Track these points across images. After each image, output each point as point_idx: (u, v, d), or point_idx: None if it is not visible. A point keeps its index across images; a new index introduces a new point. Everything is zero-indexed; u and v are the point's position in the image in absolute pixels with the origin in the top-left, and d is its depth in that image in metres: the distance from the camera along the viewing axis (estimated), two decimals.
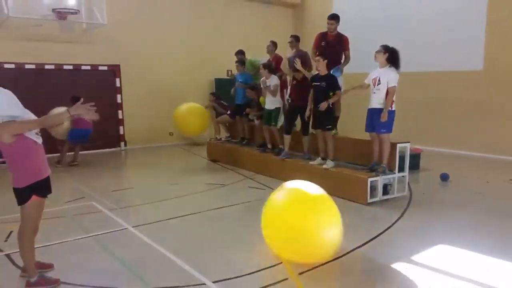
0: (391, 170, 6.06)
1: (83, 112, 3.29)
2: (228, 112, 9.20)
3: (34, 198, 3.26)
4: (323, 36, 7.08)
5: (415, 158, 8.30)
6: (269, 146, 7.91)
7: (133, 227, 4.90)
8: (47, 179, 3.40)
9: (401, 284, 3.49)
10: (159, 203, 5.99)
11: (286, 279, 3.58)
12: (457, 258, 4.04)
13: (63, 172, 8.01)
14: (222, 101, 9.57)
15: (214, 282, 3.50)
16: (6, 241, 4.44)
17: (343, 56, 7.03)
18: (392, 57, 5.74)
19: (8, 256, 4.07)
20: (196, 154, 10.10)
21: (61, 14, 8.71)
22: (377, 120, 5.83)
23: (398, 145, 6.05)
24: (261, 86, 7.76)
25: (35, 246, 3.64)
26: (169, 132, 11.55)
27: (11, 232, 4.52)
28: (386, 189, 6.05)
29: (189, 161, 9.61)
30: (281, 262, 3.89)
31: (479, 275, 3.62)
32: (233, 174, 7.91)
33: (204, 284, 3.49)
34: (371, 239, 4.50)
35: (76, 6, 9.21)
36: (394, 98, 5.81)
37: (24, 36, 9.11)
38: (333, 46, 6.86)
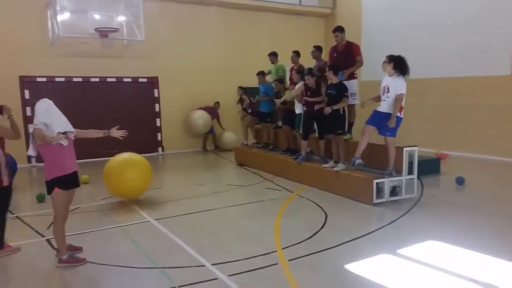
0: (399, 173, 6.33)
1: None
2: (250, 111, 9.77)
3: (56, 189, 3.98)
4: (334, 48, 7.48)
5: (434, 163, 8.45)
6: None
7: (155, 219, 5.56)
8: (71, 175, 4.07)
9: (379, 274, 3.84)
10: (182, 201, 6.64)
11: (276, 264, 4.05)
12: (442, 253, 4.31)
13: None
14: (250, 98, 10.19)
15: (212, 264, 4.04)
16: (48, 228, 5.24)
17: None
18: (397, 65, 6.02)
19: (48, 240, 4.86)
20: (226, 159, 10.74)
21: (103, 33, 9.71)
22: (383, 124, 6.13)
23: (405, 149, 6.30)
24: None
25: (71, 234, 4.36)
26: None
27: (52, 223, 5.29)
28: (394, 190, 6.32)
29: (218, 165, 10.26)
30: (276, 251, 4.36)
31: (460, 269, 3.89)
32: (255, 176, 8.45)
33: (204, 265, 4.04)
34: (365, 234, 4.85)
35: (116, 25, 10.20)
36: (403, 105, 6.08)
37: (72, 53, 10.23)
38: (344, 55, 7.23)
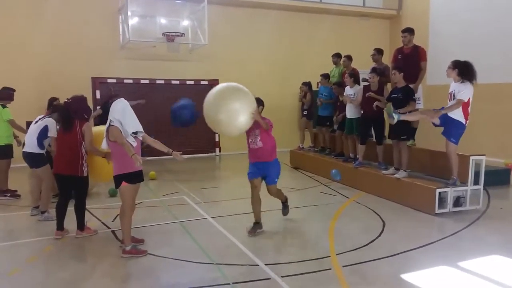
0: (463, 182, 6.02)
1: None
2: (305, 113, 9.70)
3: (124, 184, 4.25)
4: (399, 50, 7.27)
5: (504, 173, 7.92)
6: (352, 155, 8.14)
7: (211, 217, 5.75)
8: (137, 172, 4.32)
9: (437, 285, 3.69)
10: (238, 201, 6.79)
11: (329, 269, 4.02)
12: (507, 269, 4.05)
13: (166, 172, 9.33)
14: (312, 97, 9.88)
15: (266, 264, 4.11)
16: (113, 221, 5.61)
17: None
18: (463, 71, 5.74)
19: (113, 232, 5.20)
20: (281, 161, 10.73)
21: (170, 37, 10.19)
22: (448, 128, 5.84)
23: (472, 157, 5.98)
24: (344, 94, 8.11)
25: (135, 226, 4.65)
26: None
27: (117, 215, 5.65)
28: (458, 201, 6.03)
29: None
30: (329, 256, 4.33)
31: None
32: (310, 180, 8.42)
33: (258, 265, 4.12)
34: (425, 245, 4.67)
35: (182, 30, 10.65)
36: (468, 111, 5.80)
37: (140, 56, 10.83)
38: (409, 59, 7.01)
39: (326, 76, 9.27)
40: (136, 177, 4.33)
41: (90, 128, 4.97)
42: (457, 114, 5.81)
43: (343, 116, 8.28)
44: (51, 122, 5.73)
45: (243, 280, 3.78)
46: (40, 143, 5.72)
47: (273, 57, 12.51)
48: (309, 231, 5.32)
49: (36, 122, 5.81)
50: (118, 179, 4.28)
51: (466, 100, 5.68)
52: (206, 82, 11.94)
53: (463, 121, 5.78)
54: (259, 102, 5.10)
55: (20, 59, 10.00)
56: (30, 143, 5.72)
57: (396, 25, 13.70)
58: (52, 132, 5.66)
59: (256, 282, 3.76)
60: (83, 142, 4.89)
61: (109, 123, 4.25)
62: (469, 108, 5.78)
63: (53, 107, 6.06)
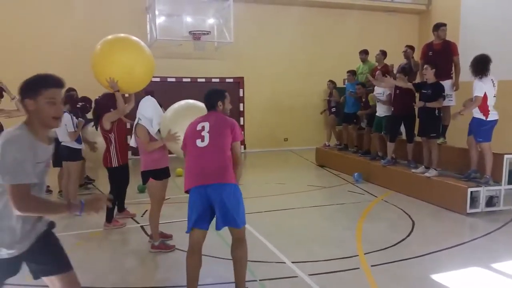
0: (497, 182, 5.83)
1: None
2: (334, 110, 9.60)
3: (151, 180, 4.32)
4: (429, 46, 7.09)
5: None
6: (380, 153, 8.02)
7: None
8: (163, 169, 4.38)
9: (469, 286, 3.59)
10: (263, 198, 6.80)
11: (358, 268, 3.97)
12: None
13: None
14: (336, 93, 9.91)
15: (293, 262, 4.09)
16: (142, 216, 5.71)
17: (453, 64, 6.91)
18: (475, 67, 5.72)
19: (142, 227, 5.30)
20: (306, 159, 10.72)
21: (196, 35, 10.28)
22: (474, 129, 5.79)
23: (506, 156, 5.80)
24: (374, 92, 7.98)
25: (162, 222, 4.74)
26: (284, 138, 12.46)
27: (146, 210, 5.76)
28: (491, 201, 5.85)
29: (298, 164, 10.28)
30: (357, 255, 4.28)
31: None
32: (336, 178, 8.33)
33: (284, 263, 4.11)
34: (456, 245, 4.56)
35: (208, 28, 10.73)
36: (489, 108, 5.70)
37: (167, 55, 10.94)
38: (441, 54, 6.83)
39: (353, 73, 9.15)
40: (162, 174, 4.39)
41: (107, 115, 4.92)
42: (474, 112, 5.81)
43: (367, 113, 8.21)
44: (66, 119, 5.85)
45: (270, 277, 3.78)
46: (76, 139, 5.96)
47: (298, 54, 12.41)
48: (336, 229, 5.27)
49: None
50: (145, 175, 4.35)
51: (480, 95, 5.64)
52: (231, 80, 12.01)
53: (482, 116, 5.72)
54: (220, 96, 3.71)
55: (46, 58, 10.21)
56: (66, 139, 5.93)
57: (426, 20, 13.35)
58: (69, 127, 5.86)
59: (282, 279, 3.76)
60: (111, 134, 4.95)
61: (137, 121, 4.32)
62: (488, 102, 5.69)
63: (64, 98, 6.20)
